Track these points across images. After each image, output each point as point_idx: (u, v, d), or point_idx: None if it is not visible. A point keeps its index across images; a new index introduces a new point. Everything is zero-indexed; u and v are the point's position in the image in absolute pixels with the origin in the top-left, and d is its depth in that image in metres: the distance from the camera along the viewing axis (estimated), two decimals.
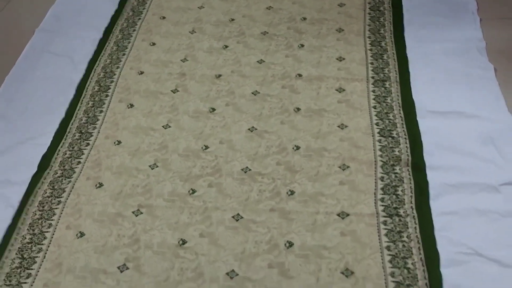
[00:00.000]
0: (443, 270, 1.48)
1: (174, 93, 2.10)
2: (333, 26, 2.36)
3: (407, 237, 1.56)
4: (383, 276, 1.49)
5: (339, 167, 1.76)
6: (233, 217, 1.65)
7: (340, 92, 2.04)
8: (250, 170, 1.78)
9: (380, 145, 1.82)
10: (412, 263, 1.51)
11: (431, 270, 1.48)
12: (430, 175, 1.71)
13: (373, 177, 1.72)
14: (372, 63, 2.16)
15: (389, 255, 1.53)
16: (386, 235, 1.57)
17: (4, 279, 1.55)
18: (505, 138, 1.80)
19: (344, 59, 2.19)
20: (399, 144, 1.81)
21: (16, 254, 1.61)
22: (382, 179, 1.72)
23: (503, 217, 1.60)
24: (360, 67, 2.15)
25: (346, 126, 1.90)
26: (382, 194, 1.67)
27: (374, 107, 1.96)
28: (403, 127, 1.87)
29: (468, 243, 1.54)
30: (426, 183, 1.69)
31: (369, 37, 2.29)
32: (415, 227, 1.58)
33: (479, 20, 2.31)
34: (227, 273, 1.52)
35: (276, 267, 1.52)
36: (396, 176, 1.72)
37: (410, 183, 1.70)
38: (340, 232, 1.59)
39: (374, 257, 1.53)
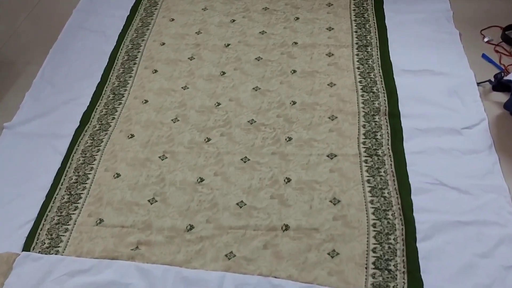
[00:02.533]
0: (413, 197, 1.57)
1: (190, 60, 2.15)
2: (324, 2, 2.39)
3: (384, 172, 1.64)
4: (363, 203, 1.57)
5: (329, 117, 1.83)
6: (241, 159, 1.73)
7: (329, 56, 2.08)
8: (255, 121, 1.84)
9: (362, 99, 1.88)
10: (388, 193, 1.58)
11: (403, 197, 1.56)
12: (404, 122, 1.78)
13: (357, 125, 1.79)
14: (356, 32, 2.21)
15: (369, 186, 1.60)
16: (367, 171, 1.65)
17: (56, 211, 1.64)
18: (466, 90, 1.87)
19: (333, 29, 2.23)
20: (378, 98, 1.87)
21: (65, 191, 1.70)
22: (364, 126, 1.78)
23: (463, 154, 1.67)
24: (346, 35, 2.19)
25: (334, 84, 1.95)
26: (364, 138, 1.74)
27: (358, 68, 2.01)
28: (382, 84, 1.93)
29: (433, 175, 1.62)
30: (400, 128, 1.76)
31: (354, 10, 2.33)
32: (391, 164, 1.65)
33: None
34: (237, 204, 1.61)
35: (276, 198, 1.61)
36: (375, 124, 1.78)
37: (387, 129, 1.76)
38: (329, 169, 1.67)
39: (357, 188, 1.61)
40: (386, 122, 1.79)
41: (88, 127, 1.90)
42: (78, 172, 1.75)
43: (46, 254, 1.53)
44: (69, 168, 1.76)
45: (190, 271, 1.45)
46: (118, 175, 1.73)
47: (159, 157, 1.77)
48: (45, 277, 1.47)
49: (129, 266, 1.48)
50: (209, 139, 1.81)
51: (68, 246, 1.55)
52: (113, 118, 1.92)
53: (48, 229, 1.60)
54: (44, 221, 1.62)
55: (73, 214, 1.63)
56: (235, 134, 1.81)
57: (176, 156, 1.76)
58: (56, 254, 1.53)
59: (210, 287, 1.40)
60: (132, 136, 1.85)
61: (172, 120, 1.89)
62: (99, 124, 1.91)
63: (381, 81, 1.94)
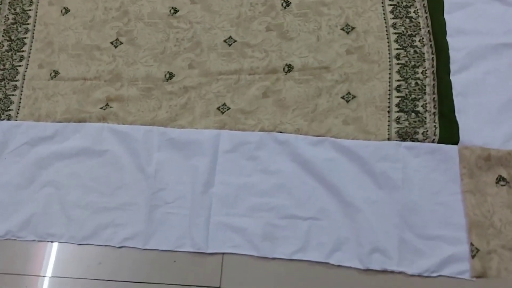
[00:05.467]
0: (446, 16, 1.15)
1: None
2: None
3: None
4: (384, 28, 1.17)
5: None
6: None
7: None
8: None
9: None
10: (414, 11, 1.17)
11: (434, 16, 1.14)
12: None
13: None
14: None
15: (391, 5, 1.18)
16: None
17: None
18: None
19: None
20: None
21: (3, 36, 1.23)
22: None
23: None
24: None
25: None
26: None
27: None
28: None
29: None
30: None
31: None
32: None
33: None
34: (225, 40, 1.18)
35: (274, 30, 1.18)
36: None
37: None
38: None
39: (375, 8, 1.17)
40: None
41: None
42: (15, 9, 1.26)
43: None
44: (1, 4, 1.27)
45: (177, 131, 1.10)
46: (67, 10, 1.24)
47: None
48: (1, 149, 1.14)
49: (101, 128, 1.12)
50: None
51: (22, 108, 1.16)
52: None
53: None
54: None
55: (19, 66, 1.21)
56: None
57: None
58: (8, 119, 1.17)
59: (204, 149, 1.10)
60: None
61: None
62: None
63: None
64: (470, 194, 0.99)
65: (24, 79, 1.18)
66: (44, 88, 1.17)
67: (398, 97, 1.09)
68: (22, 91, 1.17)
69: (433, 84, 1.09)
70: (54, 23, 1.23)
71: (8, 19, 1.24)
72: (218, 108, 1.12)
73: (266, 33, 1.17)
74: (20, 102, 1.16)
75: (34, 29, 1.23)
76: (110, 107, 1.13)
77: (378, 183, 1.02)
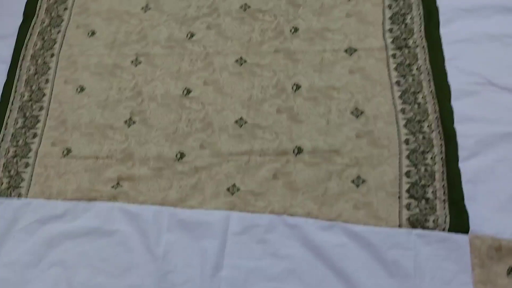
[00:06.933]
0: (454, 103, 1.17)
1: None
2: None
3: (417, 69, 1.22)
4: (393, 113, 1.20)
5: None
6: (236, 61, 1.27)
7: None
8: (249, 7, 1.34)
9: None
10: (422, 97, 1.20)
11: (442, 103, 1.17)
12: None
13: (381, 5, 1.31)
14: None
15: (399, 90, 1.22)
16: (395, 69, 1.23)
17: (11, 140, 1.24)
18: None
19: None
20: None
21: (18, 113, 1.26)
22: (390, 7, 1.31)
23: None
24: None
25: None
26: (391, 24, 1.28)
27: None
28: None
29: (480, 71, 1.19)
30: (435, 7, 1.28)
31: None
32: (425, 58, 1.23)
33: None
34: (236, 121, 1.21)
35: (284, 112, 1.20)
36: (404, 2, 1.32)
37: (419, 9, 1.30)
38: (348, 69, 1.23)
39: (384, 94, 1.20)
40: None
41: (35, 22, 1.38)
42: (31, 87, 1.30)
43: (6, 197, 1.19)
44: (18, 81, 1.31)
45: (187, 212, 1.10)
46: (82, 88, 1.28)
47: (131, 61, 1.30)
48: (10, 226, 1.14)
49: (112, 208, 1.13)
50: (192, 35, 1.32)
51: (33, 185, 1.18)
52: (65, 9, 1.39)
53: (4, 164, 1.23)
54: None
55: (33, 143, 1.23)
56: (226, 26, 1.32)
57: (152, 60, 1.29)
58: (19, 197, 1.19)
59: (213, 231, 1.10)
60: (93, 33, 1.34)
61: (142, 8, 1.37)
62: (49, 18, 1.38)
63: None
64: (481, 285, 0.99)
65: (36, 156, 1.21)
66: (56, 166, 1.19)
67: (408, 183, 1.11)
68: (33, 168, 1.19)
69: (442, 171, 1.11)
70: (68, 101, 1.27)
71: (24, 96, 1.28)
72: (228, 189, 1.13)
73: (277, 115, 1.21)
74: (31, 180, 1.18)
75: (49, 107, 1.26)
76: (121, 186, 1.15)
77: (389, 271, 1.02)
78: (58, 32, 1.35)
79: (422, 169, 1.12)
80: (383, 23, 1.28)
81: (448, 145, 1.13)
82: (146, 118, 1.23)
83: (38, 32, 1.36)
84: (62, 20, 1.38)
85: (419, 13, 1.29)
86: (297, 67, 1.25)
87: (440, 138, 1.14)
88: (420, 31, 1.27)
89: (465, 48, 1.24)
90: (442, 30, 1.26)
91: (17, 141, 1.23)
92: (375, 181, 1.11)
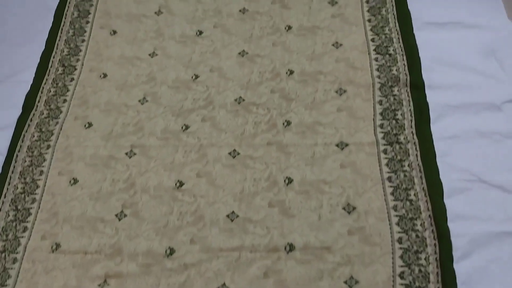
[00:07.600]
0: (446, 200, 1.17)
1: (158, 15, 1.60)
2: None
3: (408, 166, 1.23)
4: (385, 210, 1.19)
5: (336, 91, 1.37)
6: (229, 153, 1.28)
7: (333, 5, 1.57)
8: (243, 100, 1.38)
9: (377, 64, 1.41)
10: (414, 194, 1.21)
11: (434, 200, 1.16)
12: (430, 95, 1.33)
13: (371, 101, 1.34)
14: None
15: (391, 186, 1.22)
16: (387, 164, 1.24)
17: (0, 234, 1.24)
18: (506, 49, 1.40)
19: None
20: (397, 62, 1.41)
21: (10, 206, 1.26)
22: (380, 102, 1.35)
23: (505, 138, 1.25)
24: None
25: (341, 45, 1.45)
26: (381, 119, 1.31)
27: (369, 21, 1.50)
28: (399, 43, 1.44)
29: (470, 168, 1.21)
30: (425, 104, 1.31)
31: None
32: (416, 154, 1.25)
33: None
34: (227, 216, 1.20)
35: (276, 206, 1.20)
36: (395, 99, 1.36)
37: (409, 106, 1.34)
38: (339, 164, 1.24)
39: (375, 189, 1.21)
40: (408, 96, 1.33)
41: (34, 114, 1.41)
42: (25, 178, 1.31)
43: None
44: (13, 173, 1.32)
45: None
46: (76, 180, 1.29)
47: (126, 153, 1.32)
48: None
49: None
50: (187, 127, 1.35)
51: (19, 282, 1.14)
52: (65, 101, 1.42)
53: None
54: None
55: (22, 237, 1.22)
56: (220, 119, 1.35)
57: (147, 152, 1.31)
58: None
59: None
60: (90, 125, 1.37)
61: (139, 101, 1.41)
62: (47, 110, 1.41)
63: (399, 38, 1.45)
64: None
65: (25, 251, 1.19)
66: (44, 261, 1.17)
67: (402, 284, 1.08)
68: (21, 263, 1.18)
69: (437, 272, 1.09)
70: (61, 193, 1.27)
71: (17, 188, 1.29)
72: None
73: (269, 209, 1.20)
74: (18, 276, 1.16)
75: (41, 200, 1.26)
76: (108, 284, 1.13)
77: None
78: (56, 123, 1.38)
79: (416, 269, 1.10)
80: (374, 119, 1.31)
81: (442, 245, 1.12)
82: (137, 210, 1.22)
83: (36, 124, 1.39)
84: (61, 112, 1.41)
85: (410, 109, 1.32)
86: (289, 160, 1.26)
87: (434, 237, 1.13)
88: (411, 127, 1.29)
89: (455, 144, 1.26)
90: (432, 127, 1.28)
91: (7, 235, 1.22)
92: (367, 282, 1.09)
